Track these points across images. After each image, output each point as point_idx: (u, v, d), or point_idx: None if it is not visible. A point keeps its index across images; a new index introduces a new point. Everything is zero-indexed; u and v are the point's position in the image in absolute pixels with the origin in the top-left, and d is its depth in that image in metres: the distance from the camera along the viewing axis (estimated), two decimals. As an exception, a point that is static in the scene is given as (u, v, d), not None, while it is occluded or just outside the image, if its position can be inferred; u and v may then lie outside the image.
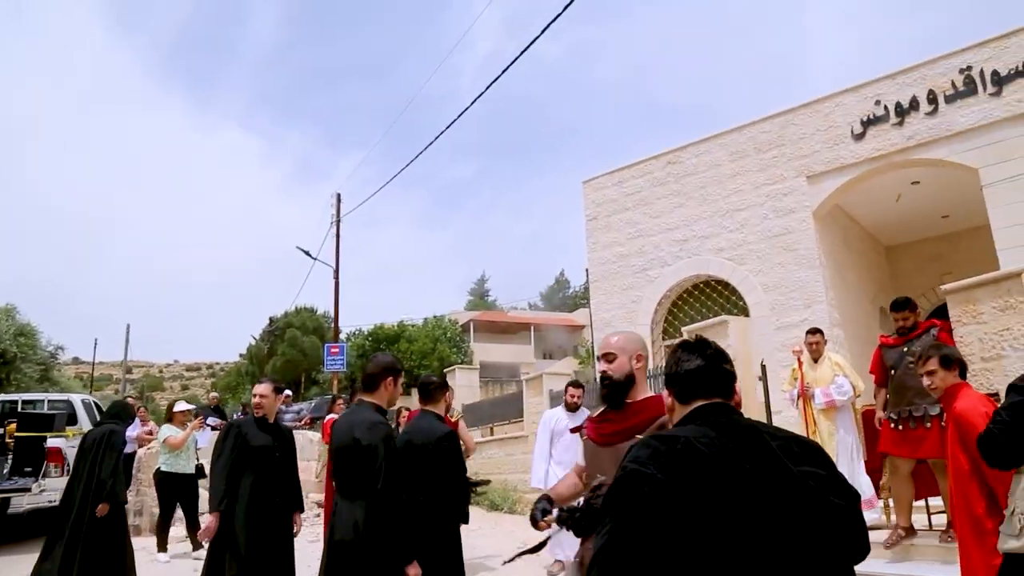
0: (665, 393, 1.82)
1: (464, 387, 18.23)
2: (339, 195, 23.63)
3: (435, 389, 4.55)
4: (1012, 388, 2.80)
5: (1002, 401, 2.86)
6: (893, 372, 5.92)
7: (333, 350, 20.76)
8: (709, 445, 1.45)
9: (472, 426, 17.29)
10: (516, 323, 44.11)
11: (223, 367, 74.60)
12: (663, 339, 14.03)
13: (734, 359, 8.09)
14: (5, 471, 9.44)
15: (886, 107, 11.17)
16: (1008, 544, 2.61)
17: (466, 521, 4.36)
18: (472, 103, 13.55)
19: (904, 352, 5.89)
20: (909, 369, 5.62)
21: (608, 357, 2.69)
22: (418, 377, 4.81)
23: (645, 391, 2.69)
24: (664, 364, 1.99)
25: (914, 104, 10.93)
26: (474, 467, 15.47)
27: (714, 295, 13.26)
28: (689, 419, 1.65)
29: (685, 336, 10.38)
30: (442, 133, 15.82)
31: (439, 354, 35.66)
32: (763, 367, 9.02)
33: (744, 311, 12.37)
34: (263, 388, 5.20)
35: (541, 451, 7.43)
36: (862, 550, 1.48)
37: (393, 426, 6.85)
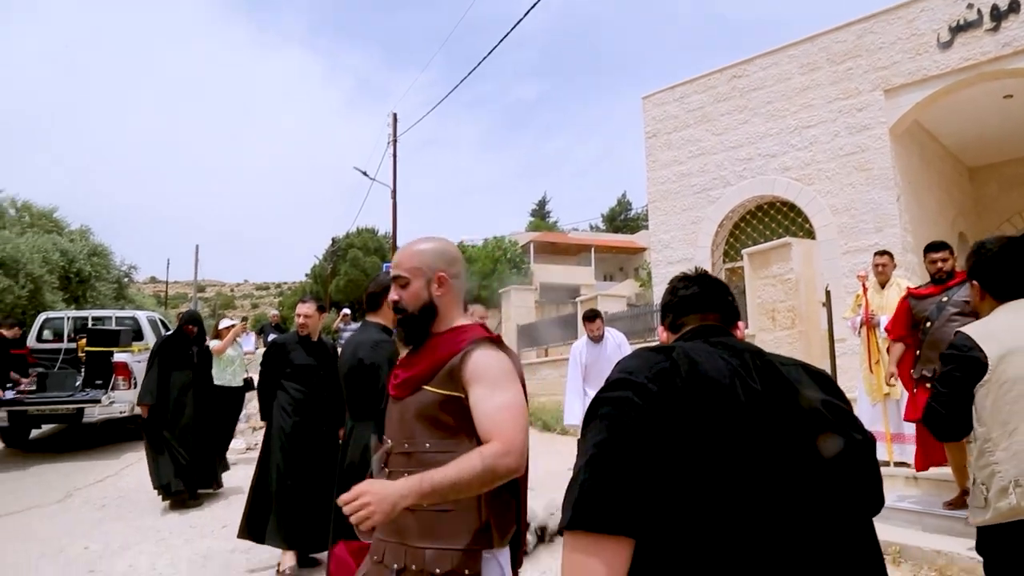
0: (660, 330, 1.68)
1: (519, 308, 18.27)
2: (395, 115, 23.46)
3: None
4: (944, 358, 2.49)
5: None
6: (928, 324, 5.25)
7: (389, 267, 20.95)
8: (710, 356, 1.34)
9: (527, 347, 17.44)
10: (576, 244, 43.98)
11: (290, 286, 76.93)
12: (724, 262, 13.88)
13: (796, 283, 7.67)
14: (78, 383, 9.94)
15: (979, 11, 10.29)
16: (978, 517, 2.39)
17: None
18: (529, 10, 13.01)
19: (943, 302, 5.20)
20: (952, 320, 4.99)
21: (400, 281, 2.05)
22: (478, 297, 4.70)
23: (456, 320, 2.05)
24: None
25: (1014, 6, 10.00)
26: (529, 388, 15.74)
27: (779, 217, 12.95)
28: (686, 338, 1.54)
29: (746, 258, 10.09)
30: (498, 44, 15.49)
31: (499, 274, 35.92)
32: (827, 293, 8.71)
33: (810, 234, 12.04)
34: (306, 307, 5.21)
35: (574, 385, 7.26)
36: (879, 501, 1.35)
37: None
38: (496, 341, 1.99)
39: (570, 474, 1.29)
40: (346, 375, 3.61)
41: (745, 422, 1.25)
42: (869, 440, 1.35)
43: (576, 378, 7.21)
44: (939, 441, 2.60)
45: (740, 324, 1.64)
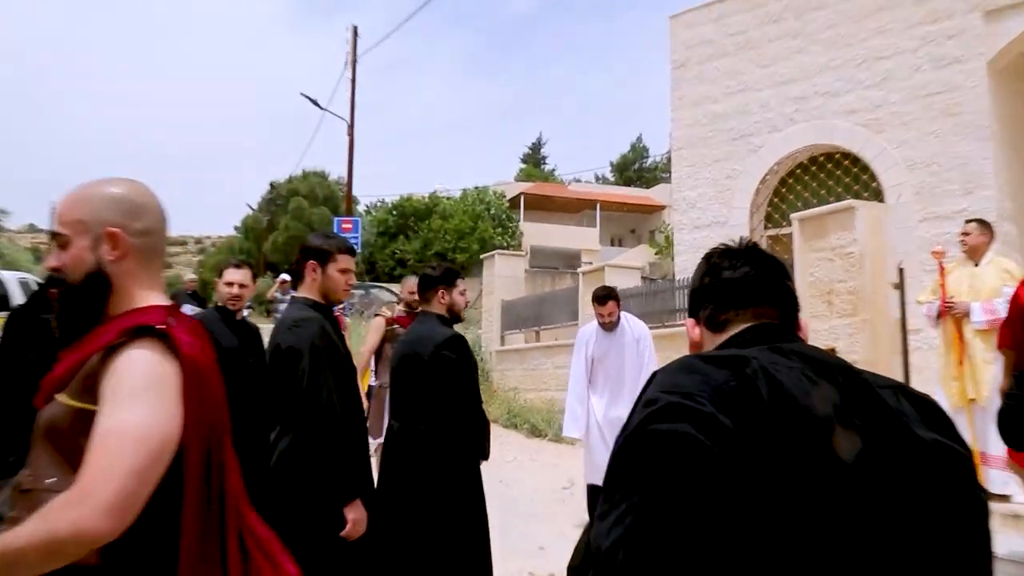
0: (689, 324, 1.65)
1: (505, 279, 18.06)
2: (355, 28, 23.04)
3: (433, 283, 4.65)
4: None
5: None
6: None
7: (345, 225, 20.97)
8: (792, 375, 1.30)
9: (512, 328, 17.26)
10: (578, 199, 43.99)
11: (214, 242, 76.42)
12: (765, 228, 13.81)
13: (860, 258, 7.49)
14: None
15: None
16: None
17: (485, 456, 4.50)
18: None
19: None
20: None
21: (59, 240, 1.82)
22: (454, 263, 4.75)
23: (140, 300, 1.82)
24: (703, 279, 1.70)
25: None
26: (513, 381, 15.66)
27: (838, 173, 12.90)
28: (740, 343, 1.51)
29: (795, 224, 9.87)
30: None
31: (480, 234, 35.94)
32: (900, 272, 8.54)
33: (878, 196, 11.97)
34: (242, 275, 5.32)
35: (576, 384, 7.04)
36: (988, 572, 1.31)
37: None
38: (170, 335, 1.72)
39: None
40: (268, 366, 3.66)
41: (849, 477, 1.20)
42: (984, 491, 1.33)
43: (580, 375, 6.99)
44: (1012, 448, 2.51)
45: (803, 320, 1.60)
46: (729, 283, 1.59)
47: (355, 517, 3.40)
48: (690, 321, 1.67)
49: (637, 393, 5.43)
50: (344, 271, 3.78)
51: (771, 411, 1.24)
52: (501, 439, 11.70)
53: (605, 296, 6.78)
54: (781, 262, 1.65)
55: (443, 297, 4.61)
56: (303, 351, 3.44)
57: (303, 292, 3.80)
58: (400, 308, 7.70)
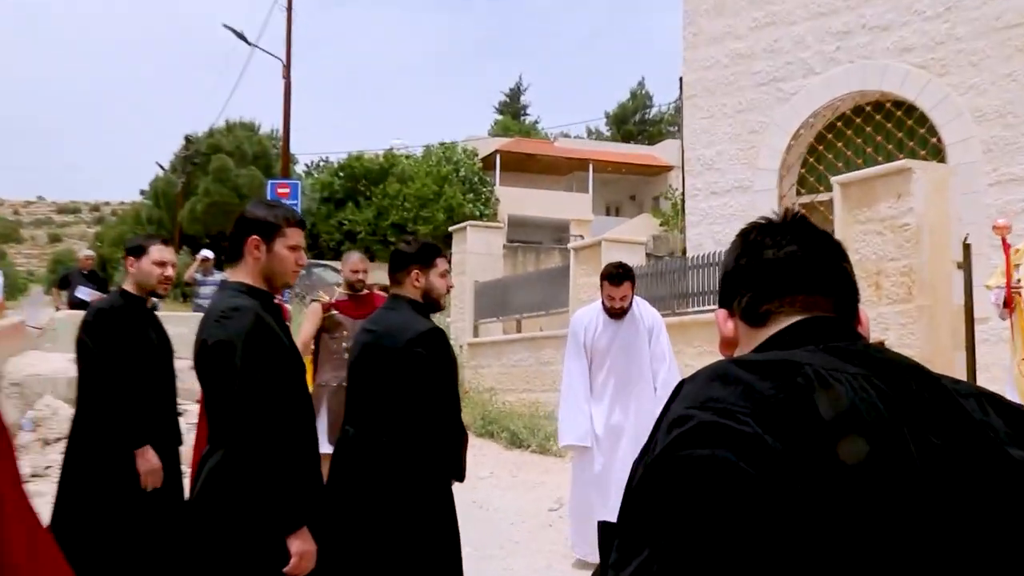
0: (721, 316, 1.66)
1: (479, 256, 18.04)
2: (290, -58, 22.77)
3: (406, 260, 4.62)
4: None
5: None
6: None
7: (281, 190, 21.01)
8: (854, 383, 1.30)
9: (489, 317, 17.23)
10: (566, 159, 44.06)
11: (115, 211, 76.05)
12: (798, 193, 13.86)
13: (917, 231, 7.55)
14: None
15: None
16: None
17: (460, 477, 4.54)
18: None
19: None
20: None
21: None
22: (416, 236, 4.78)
23: None
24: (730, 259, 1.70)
25: None
26: (489, 379, 15.67)
27: (890, 126, 12.91)
28: (786, 342, 1.51)
29: (836, 189, 9.88)
30: None
31: (447, 202, 35.89)
32: (966, 248, 8.53)
33: (938, 154, 12.00)
34: (171, 253, 5.42)
35: (575, 383, 6.95)
36: None
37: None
38: None
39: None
40: (195, 367, 3.64)
41: (929, 510, 1.22)
42: None
43: (579, 372, 6.91)
44: None
45: (863, 313, 1.61)
46: (772, 265, 1.58)
47: (301, 550, 3.37)
48: (721, 313, 1.65)
49: (647, 397, 5.35)
50: (294, 248, 3.73)
51: (831, 430, 1.24)
52: (475, 451, 11.61)
53: (620, 275, 6.63)
54: (836, 240, 1.64)
55: (417, 279, 4.58)
56: (236, 347, 3.41)
57: (238, 275, 3.72)
58: (340, 291, 7.64)
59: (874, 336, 8.83)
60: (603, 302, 6.77)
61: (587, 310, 7.04)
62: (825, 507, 1.19)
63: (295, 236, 3.73)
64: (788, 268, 1.57)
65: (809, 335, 1.48)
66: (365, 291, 7.60)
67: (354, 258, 7.60)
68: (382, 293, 8.13)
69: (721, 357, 1.68)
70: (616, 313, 6.74)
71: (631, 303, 6.79)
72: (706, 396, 1.30)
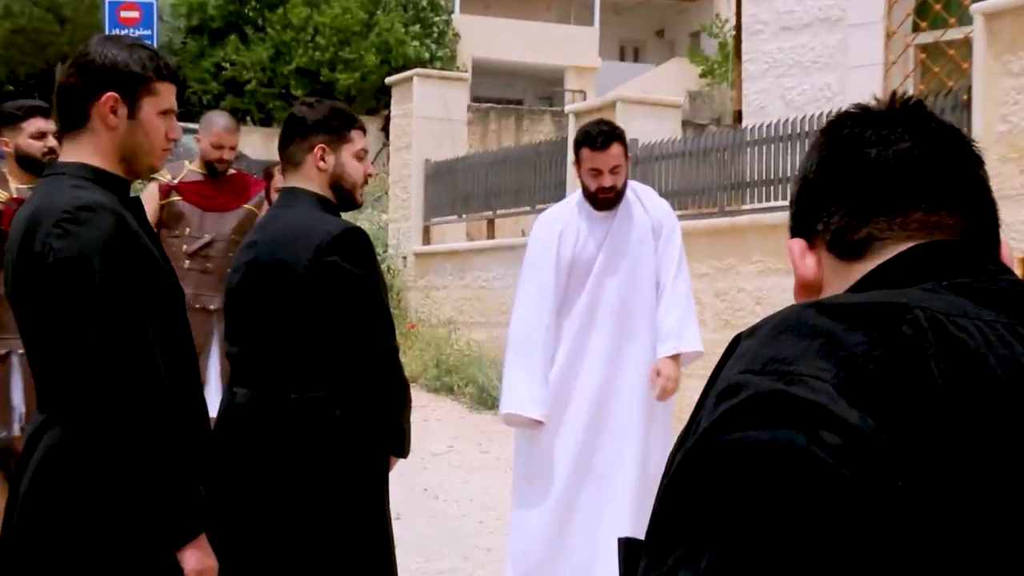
0: (797, 248, 1.70)
1: (434, 121, 18.02)
2: None
3: (306, 130, 4.68)
4: None
5: None
6: None
7: (127, 12, 21.72)
8: (997, 345, 1.34)
9: (444, 213, 17.28)
10: (560, -27, 43.61)
11: None
12: (915, 29, 13.91)
13: None
14: None
15: None
16: None
17: (401, 451, 4.64)
18: None
19: None
20: None
21: None
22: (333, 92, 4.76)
23: None
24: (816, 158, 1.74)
25: None
26: (447, 308, 15.71)
27: None
28: (893, 279, 1.54)
29: (978, 22, 9.83)
30: None
31: (381, 38, 35.73)
32: None
33: None
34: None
35: (528, 319, 6.78)
36: None
37: None
38: None
39: None
40: (10, 295, 3.67)
41: None
42: None
43: (541, 302, 6.76)
44: None
45: (1005, 246, 1.66)
46: (875, 169, 1.61)
47: (199, 567, 3.41)
48: (798, 244, 1.69)
49: (659, 333, 5.24)
50: (166, 113, 3.71)
51: (951, 401, 1.26)
52: (425, 413, 11.79)
53: (605, 135, 6.49)
54: (964, 134, 1.66)
55: (323, 159, 4.61)
56: (91, 266, 3.35)
57: (79, 152, 3.65)
58: (193, 167, 7.58)
59: (1018, 255, 8.87)
60: (584, 186, 6.59)
61: (559, 208, 6.95)
62: (938, 513, 1.22)
63: (168, 95, 3.71)
64: (899, 173, 1.60)
65: (928, 267, 1.51)
66: (230, 172, 7.70)
67: (219, 123, 7.63)
68: (259, 177, 8.09)
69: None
70: (605, 202, 6.59)
71: (626, 184, 6.67)
72: (769, 355, 1.33)
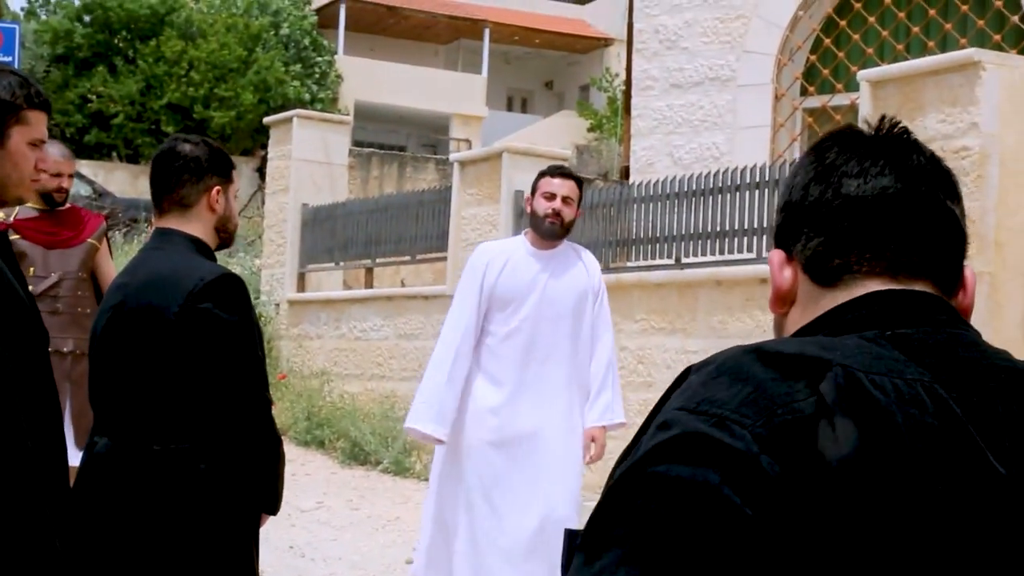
0: (776, 260, 1.75)
1: (313, 165, 17.94)
2: None
3: (201, 171, 4.62)
4: None
5: None
6: None
7: None
8: (917, 407, 1.39)
9: (320, 261, 17.26)
10: (448, 17, 44.04)
11: None
12: (804, 92, 14.15)
13: (982, 159, 7.89)
14: None
15: None
16: None
17: (272, 508, 4.64)
18: None
19: None
20: None
21: None
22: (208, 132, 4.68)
23: None
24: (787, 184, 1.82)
25: None
26: (320, 358, 15.62)
27: None
28: (844, 323, 1.60)
29: (864, 89, 10.03)
30: None
31: (260, 76, 35.46)
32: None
33: (1022, 41, 12.28)
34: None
35: (452, 339, 6.89)
36: None
37: None
38: None
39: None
40: None
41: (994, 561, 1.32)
42: None
43: (467, 325, 6.90)
44: None
45: (968, 277, 1.69)
46: (855, 204, 1.63)
47: None
48: (777, 255, 1.72)
49: (580, 386, 5.48)
50: (36, 144, 3.67)
51: (846, 458, 1.32)
52: (294, 468, 11.66)
53: (565, 171, 6.93)
54: (946, 168, 1.70)
55: (216, 201, 4.58)
56: None
57: None
58: (27, 203, 7.55)
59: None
60: (533, 212, 6.82)
61: (501, 240, 7.11)
62: (824, 558, 1.28)
63: (39, 124, 3.68)
64: (876, 211, 1.62)
65: (878, 316, 1.55)
66: (67, 205, 7.65)
67: (54, 152, 7.47)
68: (93, 211, 8.05)
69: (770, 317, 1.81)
70: (551, 229, 6.79)
71: (572, 224, 6.90)
72: (705, 396, 1.38)
